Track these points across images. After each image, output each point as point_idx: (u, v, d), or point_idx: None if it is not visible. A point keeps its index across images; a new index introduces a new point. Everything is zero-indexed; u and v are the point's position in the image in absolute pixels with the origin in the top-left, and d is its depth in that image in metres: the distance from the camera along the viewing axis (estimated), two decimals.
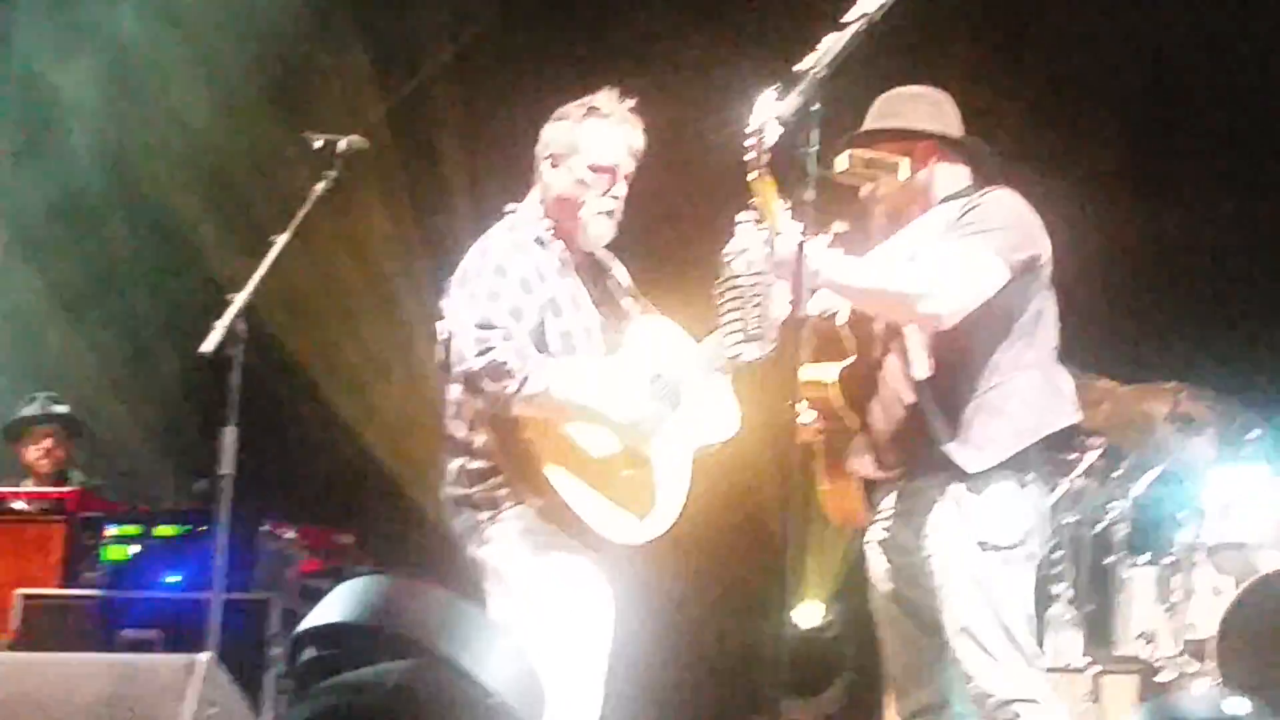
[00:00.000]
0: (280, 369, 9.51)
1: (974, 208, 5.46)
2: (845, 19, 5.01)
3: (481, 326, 5.28)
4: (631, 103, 5.61)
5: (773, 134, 5.00)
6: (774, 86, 5.04)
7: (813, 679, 8.99)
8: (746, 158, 5.11)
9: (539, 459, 5.29)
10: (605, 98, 5.58)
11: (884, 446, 5.53)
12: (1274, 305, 9.61)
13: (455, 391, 5.44)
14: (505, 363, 5.22)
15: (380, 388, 10.15)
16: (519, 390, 5.22)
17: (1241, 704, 4.58)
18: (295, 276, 6.64)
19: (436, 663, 3.48)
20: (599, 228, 5.60)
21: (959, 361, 5.40)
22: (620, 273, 5.79)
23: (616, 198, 5.60)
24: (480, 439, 5.40)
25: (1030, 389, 5.43)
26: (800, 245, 5.02)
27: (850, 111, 5.62)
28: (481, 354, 5.23)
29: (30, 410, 9.32)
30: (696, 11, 9.27)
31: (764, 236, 5.21)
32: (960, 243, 5.36)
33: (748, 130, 5.05)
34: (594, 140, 5.55)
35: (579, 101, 5.59)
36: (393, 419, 9.99)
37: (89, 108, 10.60)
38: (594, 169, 5.55)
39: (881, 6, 4.92)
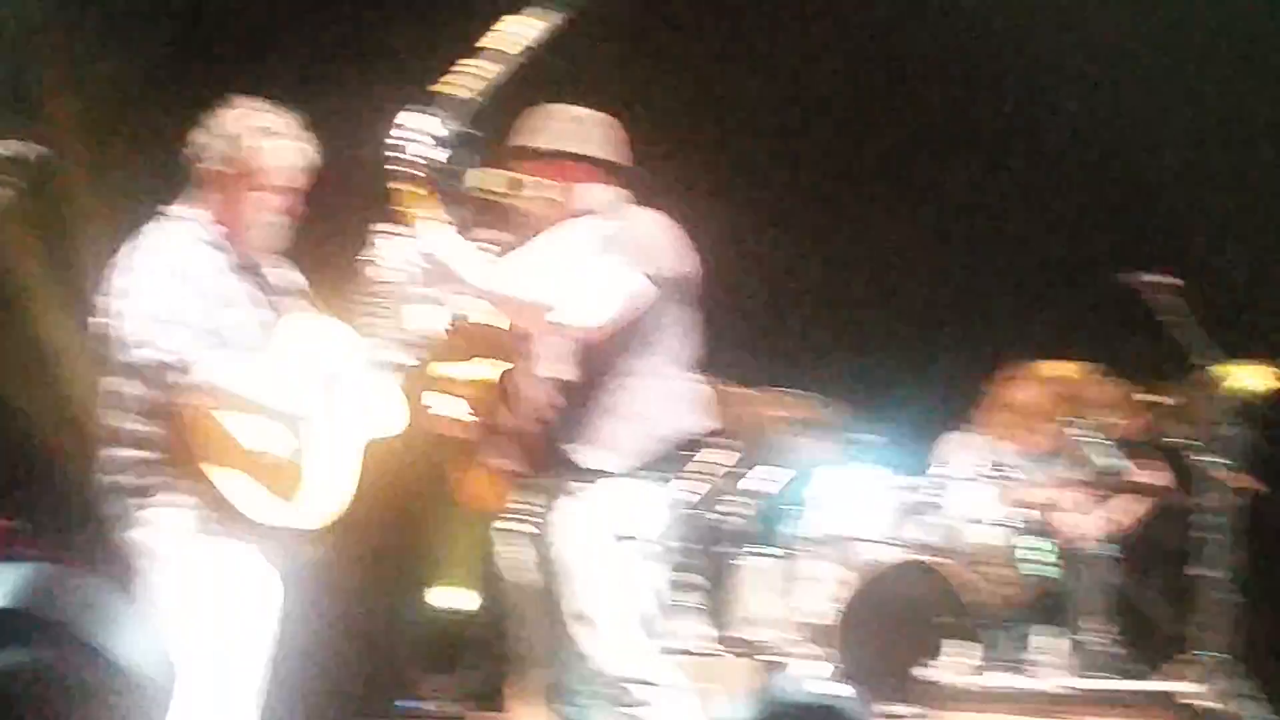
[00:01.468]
0: None
1: (622, 227, 5.64)
2: (501, 46, 5.25)
3: (149, 319, 5.29)
4: (300, 118, 5.62)
5: (424, 149, 5.23)
6: (430, 104, 5.26)
7: (452, 658, 9.12)
8: (398, 170, 5.28)
9: (196, 448, 5.33)
10: (275, 115, 5.58)
11: (526, 443, 5.71)
12: (886, 323, 10.08)
13: (114, 382, 5.45)
14: (171, 355, 5.24)
15: (44, 378, 10.03)
16: (184, 381, 5.26)
17: (844, 689, 4.88)
18: None
19: (69, 644, 3.56)
20: (268, 237, 5.62)
21: (597, 367, 5.59)
22: (287, 273, 5.80)
23: (285, 211, 5.62)
24: (138, 428, 5.40)
25: (661, 395, 5.65)
26: (448, 251, 5.27)
27: (503, 128, 5.78)
28: (148, 346, 5.26)
29: None
30: (352, 27, 9.34)
31: (408, 245, 5.38)
32: (607, 258, 5.54)
33: (400, 144, 5.25)
34: (265, 157, 5.54)
35: (248, 116, 5.58)
36: (57, 408, 9.89)
37: None
38: (265, 185, 5.55)
39: (540, 35, 5.14)
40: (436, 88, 5.33)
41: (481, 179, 5.64)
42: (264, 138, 5.55)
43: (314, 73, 6.37)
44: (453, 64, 5.37)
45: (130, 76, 9.26)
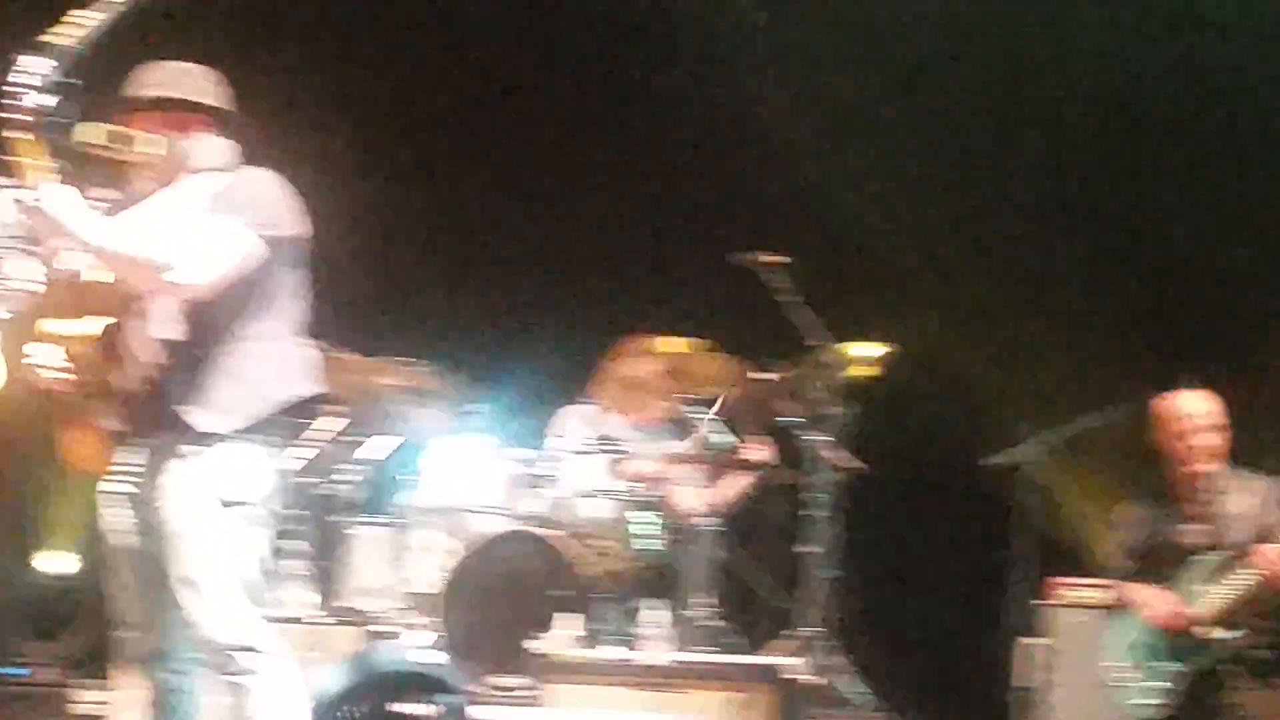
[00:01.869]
0: None
1: (234, 184, 5.55)
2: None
3: None
4: None
5: (33, 98, 5.06)
6: (38, 51, 5.10)
7: (55, 624, 8.90)
8: (9, 117, 5.11)
9: None
10: None
11: (130, 402, 5.57)
12: (504, 292, 10.09)
13: None
14: None
15: None
16: None
17: (438, 656, 4.86)
18: None
19: None
20: None
21: (203, 327, 5.48)
22: None
23: None
24: None
25: (272, 358, 5.56)
26: (58, 205, 5.11)
27: (113, 81, 5.66)
28: None
29: None
30: None
31: (13, 195, 5.19)
32: (218, 217, 5.44)
33: (13, 90, 5.08)
34: None
35: None
36: None
37: None
38: None
39: None
40: (44, 36, 5.16)
41: (89, 132, 5.48)
42: None
43: None
44: (62, 14, 5.19)
45: None
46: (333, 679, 4.75)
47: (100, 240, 5.35)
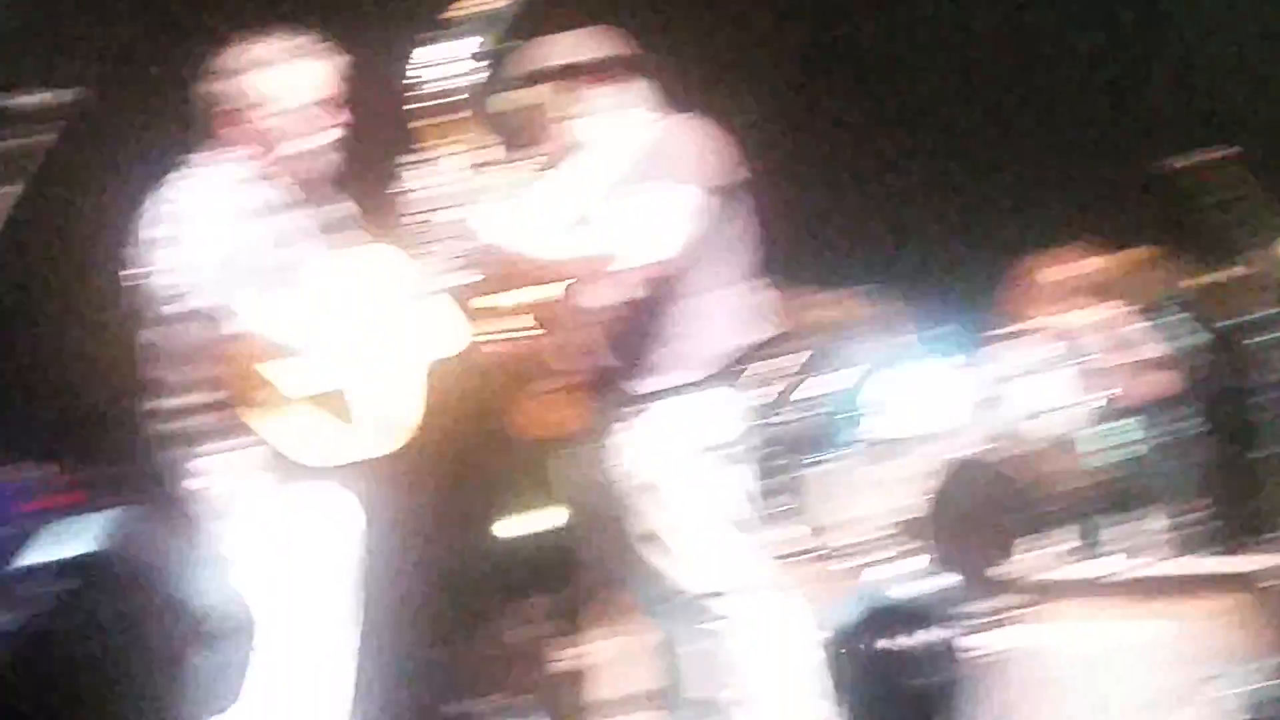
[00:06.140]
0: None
1: (660, 140, 5.44)
2: None
3: (187, 268, 5.14)
4: (309, 40, 5.48)
5: (453, 74, 5.11)
6: (455, 25, 5.10)
7: (531, 582, 9.00)
8: (426, 99, 5.17)
9: (244, 393, 5.17)
10: (282, 42, 5.45)
11: (589, 362, 5.51)
12: (941, 213, 9.83)
13: (154, 334, 5.30)
14: (213, 303, 5.09)
15: (90, 329, 9.91)
16: (227, 329, 5.10)
17: (948, 579, 4.66)
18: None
19: (150, 593, 3.40)
20: (311, 162, 5.47)
21: (661, 285, 5.39)
22: (331, 202, 5.64)
23: (321, 131, 5.47)
24: (185, 377, 5.25)
25: (727, 306, 5.46)
26: (499, 233, 5.24)
27: (529, 47, 5.58)
28: (186, 295, 5.12)
29: None
30: None
31: (455, 168, 5.21)
32: (655, 181, 5.34)
33: (432, 72, 5.14)
34: (286, 84, 5.41)
35: (244, 50, 5.45)
36: (108, 362, 9.76)
37: None
38: (292, 111, 5.42)
39: None
40: (455, 10, 5.19)
41: (508, 101, 5.47)
42: (262, 68, 5.42)
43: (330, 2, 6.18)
44: None
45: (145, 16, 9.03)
46: (825, 617, 4.58)
47: (547, 254, 5.39)
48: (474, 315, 5.21)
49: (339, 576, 5.33)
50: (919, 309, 8.58)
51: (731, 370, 5.45)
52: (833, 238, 9.66)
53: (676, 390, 5.38)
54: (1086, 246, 8.67)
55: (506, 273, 5.39)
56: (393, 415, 5.41)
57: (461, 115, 5.14)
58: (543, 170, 5.55)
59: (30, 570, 3.81)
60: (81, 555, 3.71)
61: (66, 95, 6.09)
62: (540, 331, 5.58)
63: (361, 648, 5.57)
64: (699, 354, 5.40)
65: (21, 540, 7.33)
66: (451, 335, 5.55)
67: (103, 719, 2.36)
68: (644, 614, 5.60)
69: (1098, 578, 7.34)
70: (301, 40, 5.46)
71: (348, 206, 5.67)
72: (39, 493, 8.17)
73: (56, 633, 3.57)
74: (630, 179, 5.41)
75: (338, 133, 5.49)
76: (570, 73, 5.54)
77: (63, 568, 3.80)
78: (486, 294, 5.42)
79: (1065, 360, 8.47)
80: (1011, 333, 8.71)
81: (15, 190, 5.91)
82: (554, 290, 5.57)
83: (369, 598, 5.53)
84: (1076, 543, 7.88)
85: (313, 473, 5.25)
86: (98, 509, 5.40)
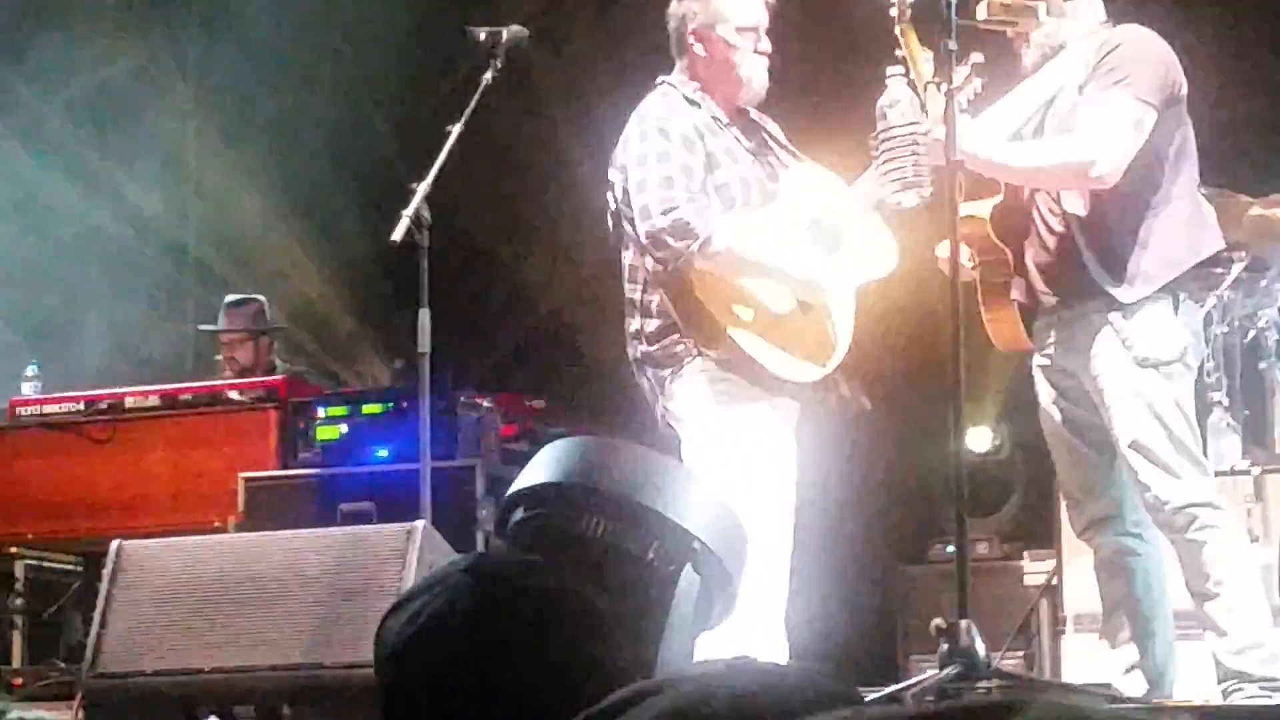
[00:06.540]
0: (468, 247, 9.51)
1: (1110, 50, 5.34)
2: None
3: (662, 186, 5.24)
4: None
5: None
6: None
7: (987, 500, 8.93)
8: (891, 11, 5.18)
9: (714, 313, 5.25)
10: None
11: (1040, 278, 5.48)
12: None
13: (629, 256, 5.44)
14: (689, 220, 5.18)
15: (558, 260, 10.15)
16: (702, 247, 5.19)
17: None
18: (476, 158, 6.63)
19: (641, 514, 3.49)
20: (756, 81, 5.56)
21: (1110, 200, 5.33)
22: (771, 126, 5.73)
23: (765, 52, 5.55)
24: (656, 299, 5.37)
25: (1177, 220, 5.37)
26: (970, 143, 5.14)
27: None
28: (665, 213, 5.20)
29: (221, 321, 9.28)
30: None
31: (915, 88, 5.20)
32: (1104, 94, 5.27)
33: None
34: (731, 5, 5.50)
35: None
36: (572, 289, 9.99)
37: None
38: (740, 30, 5.49)
39: None
40: None
41: (981, 12, 5.36)
42: None
43: None
44: None
45: None
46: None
47: (1013, 163, 5.37)
48: (954, 228, 5.17)
49: (788, 494, 5.39)
50: None
51: (1184, 282, 5.36)
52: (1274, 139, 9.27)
53: (1133, 303, 5.29)
54: None
55: (965, 185, 5.36)
56: (842, 334, 5.45)
57: (926, 27, 5.14)
58: (995, 79, 5.49)
59: (520, 495, 3.94)
60: (566, 479, 3.82)
61: (518, 31, 6.34)
62: (991, 243, 5.54)
63: (818, 566, 5.63)
64: (1155, 267, 5.31)
65: (502, 465, 7.62)
66: (883, 258, 5.56)
67: (585, 651, 2.44)
68: (1107, 527, 5.45)
69: None
70: None
71: (775, 127, 5.72)
72: (513, 419, 8.43)
73: (544, 552, 3.69)
74: (1083, 88, 5.34)
75: (765, 67, 5.57)
76: None
77: (546, 492, 3.92)
78: (940, 209, 5.39)
79: None
80: None
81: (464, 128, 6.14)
82: (995, 201, 5.53)
83: (822, 516, 5.57)
84: None
85: (774, 391, 5.32)
86: (571, 432, 5.55)
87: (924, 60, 5.22)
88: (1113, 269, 5.32)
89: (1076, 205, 5.37)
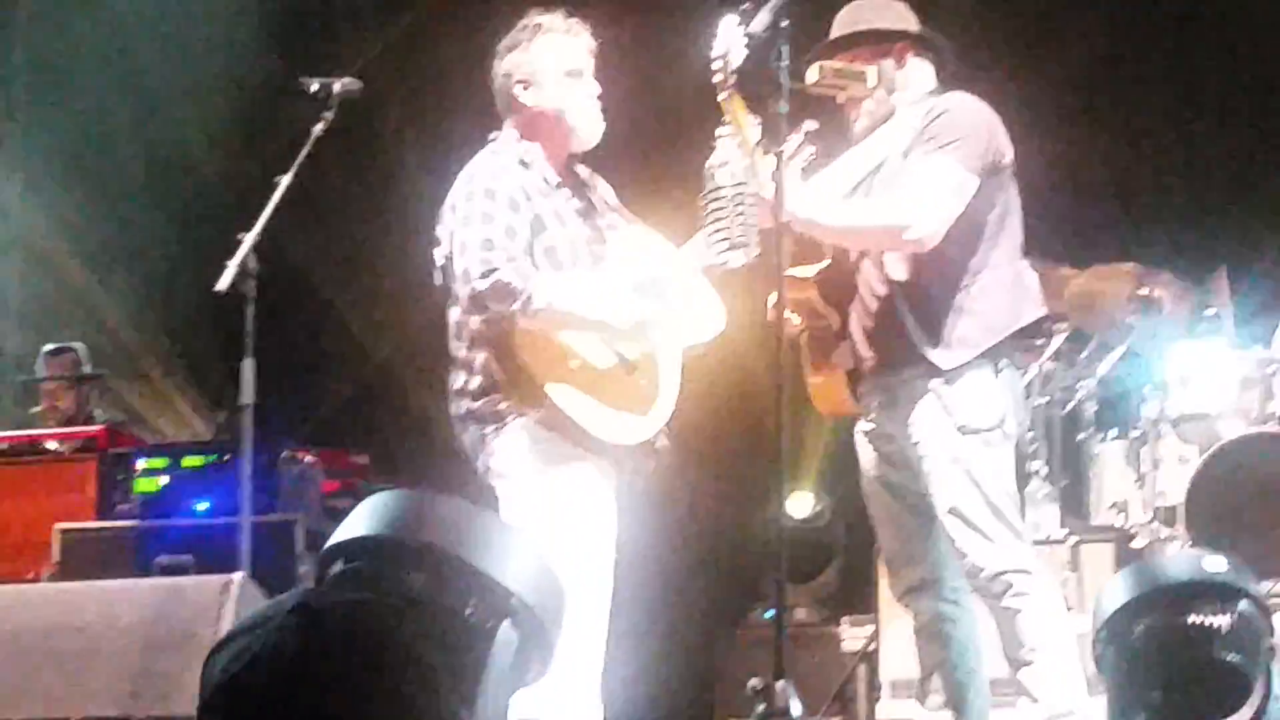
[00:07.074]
0: (295, 300, 9.44)
1: (936, 117, 5.39)
2: None
3: (483, 249, 5.18)
4: (573, 15, 5.51)
5: (739, 54, 5.06)
6: (739, 7, 5.06)
7: (807, 565, 8.97)
8: (715, 79, 5.13)
9: (536, 372, 5.20)
10: (548, 15, 5.48)
11: (864, 343, 5.50)
12: (1224, 186, 9.56)
13: (456, 313, 5.37)
14: (509, 282, 5.12)
15: (387, 315, 10.10)
16: (523, 307, 5.14)
17: (1218, 561, 4.57)
18: (307, 210, 6.59)
19: (459, 568, 3.44)
20: (587, 126, 5.49)
21: (932, 266, 5.36)
22: (602, 187, 5.68)
23: (594, 95, 5.50)
24: (480, 356, 5.30)
25: (998, 286, 5.40)
26: (792, 199, 5.14)
27: (816, 25, 5.57)
28: (485, 275, 5.13)
29: (40, 369, 9.18)
30: None
31: (743, 150, 5.20)
32: (927, 159, 5.31)
33: (714, 52, 5.08)
34: (556, 51, 5.44)
35: (520, 27, 5.49)
36: (400, 345, 9.95)
37: (102, 49, 10.52)
38: (567, 73, 5.44)
39: None
40: None
41: (812, 75, 5.41)
42: (542, 34, 5.46)
43: None
44: None
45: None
46: (1112, 595, 4.51)
47: (834, 223, 5.39)
48: (779, 290, 5.18)
49: (603, 556, 5.32)
50: (1191, 286, 8.31)
51: (1004, 350, 5.39)
52: (1101, 213, 9.44)
53: (952, 369, 5.32)
54: None
55: (792, 249, 5.38)
56: (666, 394, 5.41)
57: (754, 92, 5.12)
58: (826, 145, 5.52)
59: (338, 548, 3.87)
60: (386, 532, 3.76)
61: (350, 83, 6.31)
62: (813, 308, 5.58)
63: (636, 629, 5.59)
64: (974, 334, 5.34)
65: (324, 520, 7.54)
66: (709, 321, 5.55)
67: (409, 694, 2.41)
68: (925, 593, 5.50)
69: None
70: (567, 15, 5.50)
71: (606, 187, 5.69)
72: (336, 475, 8.36)
73: (361, 608, 3.63)
74: (908, 153, 5.39)
75: (599, 110, 5.52)
76: (860, 42, 5.54)
77: (366, 545, 3.85)
78: (766, 271, 5.40)
79: None
80: None
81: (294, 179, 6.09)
82: (820, 266, 5.57)
83: (641, 579, 5.54)
84: None
85: (594, 453, 5.27)
86: (394, 487, 5.49)
87: (751, 126, 5.21)
88: (932, 334, 5.35)
89: (899, 270, 5.40)
